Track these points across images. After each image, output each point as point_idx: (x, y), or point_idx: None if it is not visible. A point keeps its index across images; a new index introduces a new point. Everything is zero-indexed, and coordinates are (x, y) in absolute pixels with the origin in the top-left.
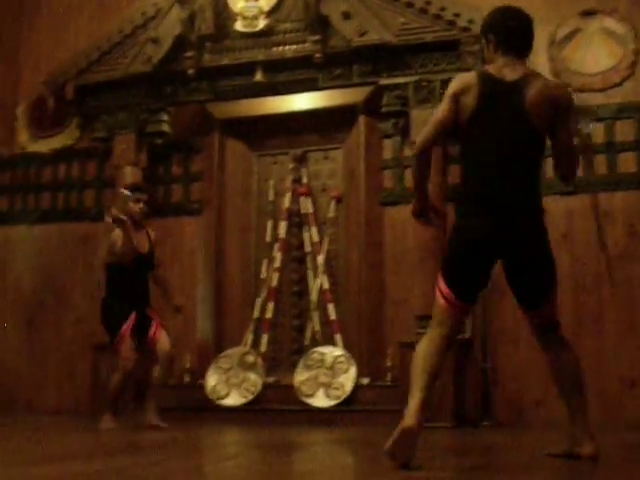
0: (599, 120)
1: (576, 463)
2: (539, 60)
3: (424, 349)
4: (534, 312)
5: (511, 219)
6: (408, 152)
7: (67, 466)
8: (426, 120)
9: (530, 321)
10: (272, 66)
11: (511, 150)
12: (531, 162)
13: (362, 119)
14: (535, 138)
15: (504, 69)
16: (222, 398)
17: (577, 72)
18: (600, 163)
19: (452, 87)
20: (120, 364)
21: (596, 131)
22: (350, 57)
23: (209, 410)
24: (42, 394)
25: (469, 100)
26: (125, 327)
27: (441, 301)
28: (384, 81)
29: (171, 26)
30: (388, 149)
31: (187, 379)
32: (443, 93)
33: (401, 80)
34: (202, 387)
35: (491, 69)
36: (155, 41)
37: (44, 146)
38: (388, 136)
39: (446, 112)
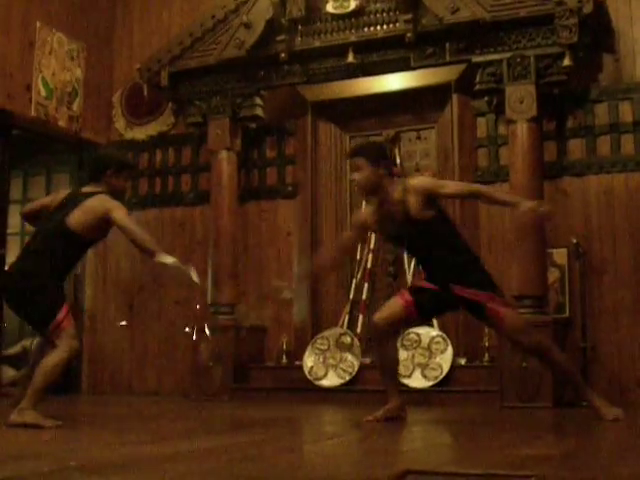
0: None
1: None
2: (635, 33)
3: None
4: None
5: None
6: (503, 130)
7: (174, 445)
8: (521, 97)
9: None
10: (364, 47)
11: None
12: None
13: (455, 98)
14: None
15: None
16: (320, 379)
17: None
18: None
19: None
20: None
21: None
22: (442, 35)
23: (307, 391)
24: (143, 376)
25: None
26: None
27: None
28: (477, 58)
29: (263, 10)
30: (482, 127)
31: (285, 360)
32: (538, 69)
33: (494, 57)
34: (300, 368)
35: None
36: (247, 26)
37: (140, 133)
38: (482, 114)
39: None
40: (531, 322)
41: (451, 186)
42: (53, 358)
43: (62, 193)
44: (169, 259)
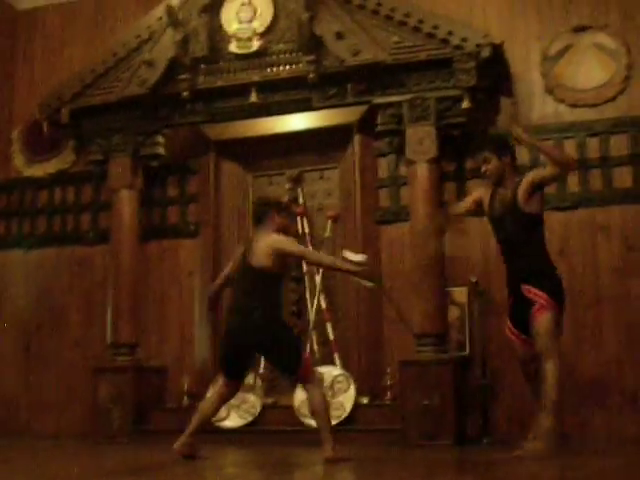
0: (594, 135)
1: (579, 477)
2: (532, 76)
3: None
4: None
5: None
6: (403, 171)
7: None
8: (421, 138)
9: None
10: (267, 87)
11: None
12: None
13: (357, 138)
14: None
15: None
16: (222, 420)
17: (570, 87)
18: (595, 178)
19: None
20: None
21: (591, 146)
22: (344, 77)
23: (209, 432)
24: (41, 418)
25: None
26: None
27: None
28: (378, 100)
29: (165, 49)
30: (383, 168)
31: (186, 401)
32: (438, 110)
33: (395, 99)
34: None
35: None
36: (149, 64)
37: (40, 170)
38: (383, 155)
39: None
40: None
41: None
42: None
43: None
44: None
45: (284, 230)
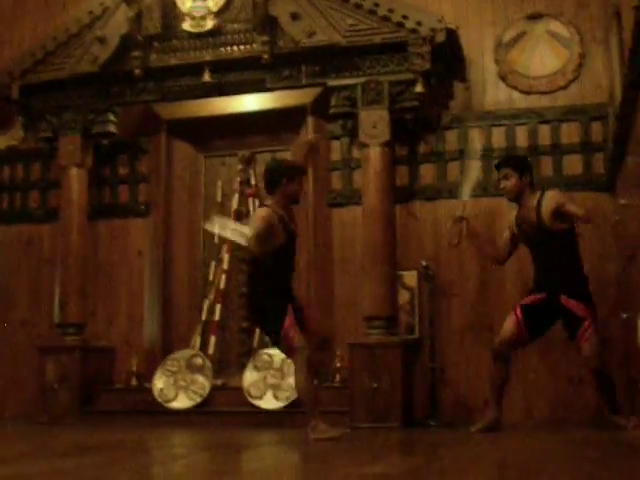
0: (545, 122)
1: (522, 459)
2: (485, 62)
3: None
4: None
5: None
6: (356, 153)
7: (14, 467)
8: (375, 121)
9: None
10: (220, 67)
11: None
12: None
13: (310, 120)
14: None
15: None
16: (170, 401)
17: (523, 74)
18: (546, 165)
19: None
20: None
21: (542, 133)
22: (298, 58)
23: (157, 413)
24: None
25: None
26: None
27: None
28: (332, 82)
29: (118, 25)
30: (336, 150)
31: (134, 382)
32: (391, 94)
33: (349, 81)
34: (150, 390)
35: None
36: (102, 41)
37: None
38: (336, 137)
39: None
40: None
41: (572, 206)
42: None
43: None
44: None
45: (293, 198)
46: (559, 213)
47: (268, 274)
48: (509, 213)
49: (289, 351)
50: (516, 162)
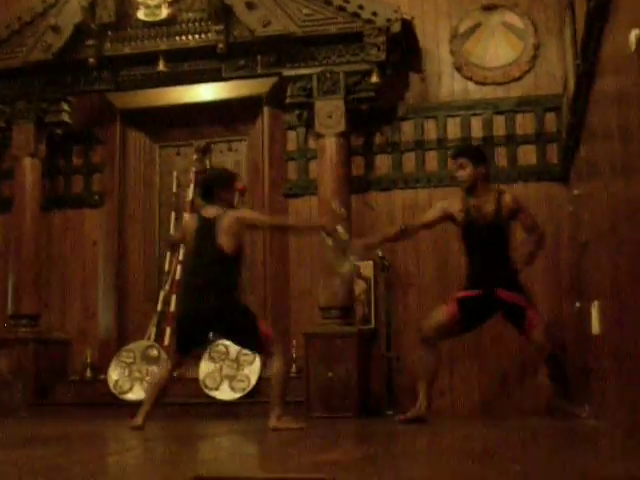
0: (500, 113)
1: (478, 448)
2: (441, 53)
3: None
4: None
5: None
6: (312, 144)
7: None
8: (330, 112)
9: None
10: (175, 56)
11: None
12: None
13: (266, 110)
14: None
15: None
16: (125, 392)
17: (478, 65)
18: (501, 156)
19: None
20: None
21: (497, 123)
22: (254, 48)
23: (112, 405)
24: None
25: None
26: None
27: None
28: (288, 72)
29: (71, 14)
30: (292, 140)
31: (89, 374)
32: (347, 84)
33: (305, 71)
34: (104, 382)
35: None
36: (55, 29)
37: None
38: (292, 127)
39: None
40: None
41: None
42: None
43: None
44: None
45: (228, 204)
46: (515, 215)
47: (236, 275)
48: (445, 199)
49: (269, 353)
50: (471, 152)
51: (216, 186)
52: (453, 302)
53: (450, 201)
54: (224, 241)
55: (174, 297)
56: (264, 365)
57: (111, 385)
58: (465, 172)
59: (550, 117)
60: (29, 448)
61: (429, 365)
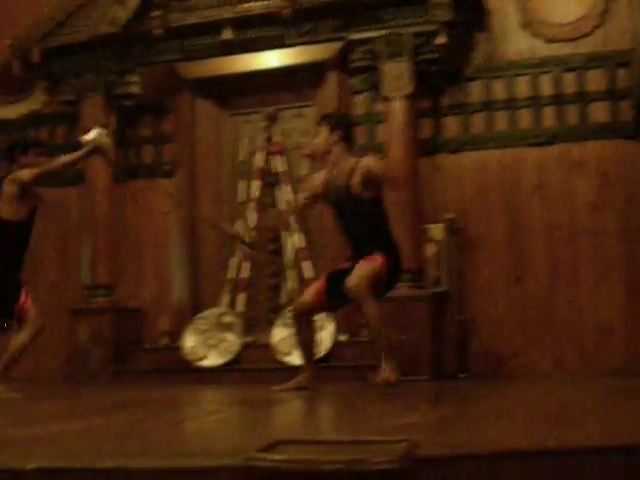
0: (570, 70)
1: (555, 409)
2: (507, 11)
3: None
4: None
5: None
6: (380, 107)
7: (50, 426)
8: (397, 74)
9: None
10: (240, 23)
11: None
12: None
13: (332, 75)
14: None
15: None
16: (200, 359)
17: (546, 22)
18: (571, 113)
19: None
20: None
21: (567, 81)
22: (319, 13)
23: (188, 372)
24: (18, 361)
25: None
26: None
27: None
28: (353, 36)
29: None
30: (359, 105)
31: (164, 341)
32: (413, 46)
33: (370, 35)
34: (180, 349)
35: None
36: (120, 2)
37: (12, 111)
38: (359, 92)
39: None
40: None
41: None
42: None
43: None
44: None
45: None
46: (369, 179)
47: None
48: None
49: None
50: (329, 118)
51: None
52: (323, 278)
53: (318, 176)
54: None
55: (246, 264)
56: None
57: (186, 352)
58: (318, 138)
59: (622, 73)
60: (111, 414)
61: (306, 340)
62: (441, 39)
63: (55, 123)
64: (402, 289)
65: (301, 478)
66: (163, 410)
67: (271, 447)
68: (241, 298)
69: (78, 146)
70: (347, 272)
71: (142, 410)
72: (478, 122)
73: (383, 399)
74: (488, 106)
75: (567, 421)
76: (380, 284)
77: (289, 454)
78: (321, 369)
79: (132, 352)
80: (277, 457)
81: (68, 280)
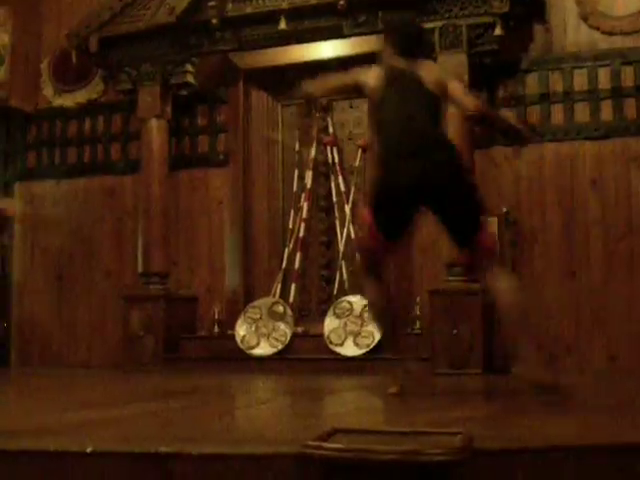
0: (629, 63)
1: (611, 403)
2: (566, 3)
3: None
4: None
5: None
6: None
7: (104, 411)
8: (453, 66)
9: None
10: (296, 14)
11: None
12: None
13: None
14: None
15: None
16: (252, 348)
17: (605, 14)
18: (630, 107)
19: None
20: None
21: (626, 74)
22: (375, 3)
23: (239, 360)
24: (72, 348)
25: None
26: None
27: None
28: None
29: None
30: None
31: (217, 330)
32: (470, 38)
33: (426, 26)
34: (232, 337)
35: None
36: None
37: (69, 100)
38: None
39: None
40: None
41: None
42: None
43: None
44: None
45: None
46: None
47: None
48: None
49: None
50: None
51: None
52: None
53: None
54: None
55: (298, 254)
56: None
57: (238, 340)
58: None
59: None
60: (164, 400)
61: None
62: (498, 31)
63: (111, 112)
64: (455, 283)
65: (357, 467)
66: (215, 397)
67: (327, 436)
68: (293, 288)
69: (133, 136)
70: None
71: (194, 397)
72: (534, 115)
73: (435, 392)
74: (545, 99)
75: (623, 416)
76: None
77: (345, 443)
78: (371, 361)
79: (184, 339)
80: (333, 446)
81: (123, 267)
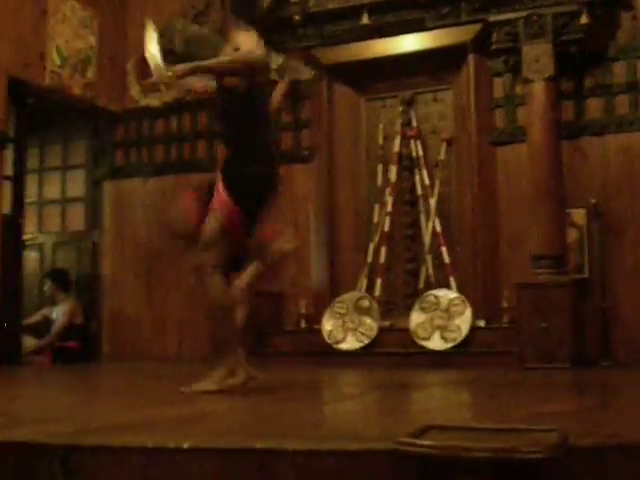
0: None
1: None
2: None
3: None
4: None
5: None
6: (520, 90)
7: (195, 406)
8: (538, 56)
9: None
10: (378, 8)
11: None
12: None
13: (471, 58)
14: None
15: None
16: (339, 342)
17: None
18: None
19: None
20: None
21: None
22: None
23: (326, 354)
24: (163, 342)
25: None
26: None
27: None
28: (493, 18)
29: None
30: (499, 87)
31: (303, 324)
32: (555, 27)
33: (511, 16)
34: (319, 332)
35: None
36: None
37: (156, 100)
38: (498, 74)
39: None
40: None
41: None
42: None
43: None
44: None
45: None
46: None
47: None
48: None
49: None
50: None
51: None
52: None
53: None
54: None
55: (383, 249)
56: None
57: (325, 335)
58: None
59: None
60: (254, 395)
61: None
62: (584, 19)
63: (197, 110)
64: (543, 275)
65: (451, 464)
66: (304, 392)
67: (421, 432)
68: (378, 283)
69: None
70: None
71: (283, 392)
72: (622, 104)
73: (523, 387)
74: (633, 87)
75: None
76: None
77: (439, 440)
78: (459, 355)
79: (272, 334)
80: (428, 443)
81: None
